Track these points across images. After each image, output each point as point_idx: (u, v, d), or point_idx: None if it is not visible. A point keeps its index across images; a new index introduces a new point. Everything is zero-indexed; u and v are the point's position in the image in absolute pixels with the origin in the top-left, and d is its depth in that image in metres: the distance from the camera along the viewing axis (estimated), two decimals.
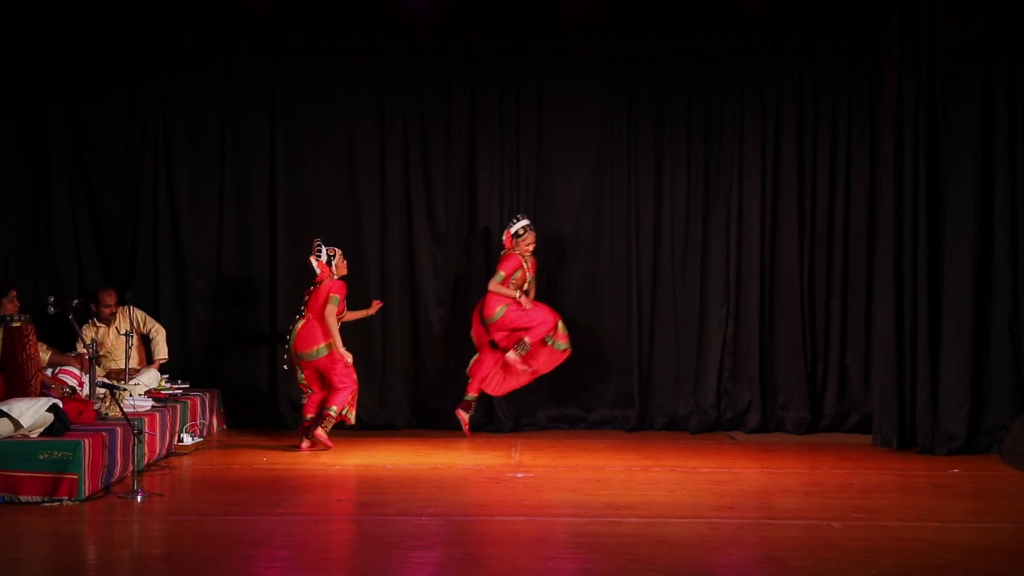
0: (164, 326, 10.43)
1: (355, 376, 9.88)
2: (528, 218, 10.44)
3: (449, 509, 7.37)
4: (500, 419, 10.87)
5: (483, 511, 7.33)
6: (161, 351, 10.30)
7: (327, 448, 9.61)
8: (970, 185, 9.52)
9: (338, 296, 9.83)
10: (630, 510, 7.35)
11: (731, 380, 10.88)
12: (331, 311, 9.76)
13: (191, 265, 10.87)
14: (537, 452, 9.72)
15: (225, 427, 10.76)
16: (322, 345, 9.75)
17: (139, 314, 10.30)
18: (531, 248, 10.39)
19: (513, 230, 10.36)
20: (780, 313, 10.87)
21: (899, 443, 9.71)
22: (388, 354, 10.93)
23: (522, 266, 10.33)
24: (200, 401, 10.04)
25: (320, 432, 9.66)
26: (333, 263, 9.91)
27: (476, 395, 10.47)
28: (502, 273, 10.29)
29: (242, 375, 10.95)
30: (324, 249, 9.91)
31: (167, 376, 10.16)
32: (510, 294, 10.28)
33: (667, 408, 10.95)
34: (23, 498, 7.26)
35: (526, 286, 10.41)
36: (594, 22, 10.78)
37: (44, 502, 7.26)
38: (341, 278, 9.92)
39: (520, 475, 8.61)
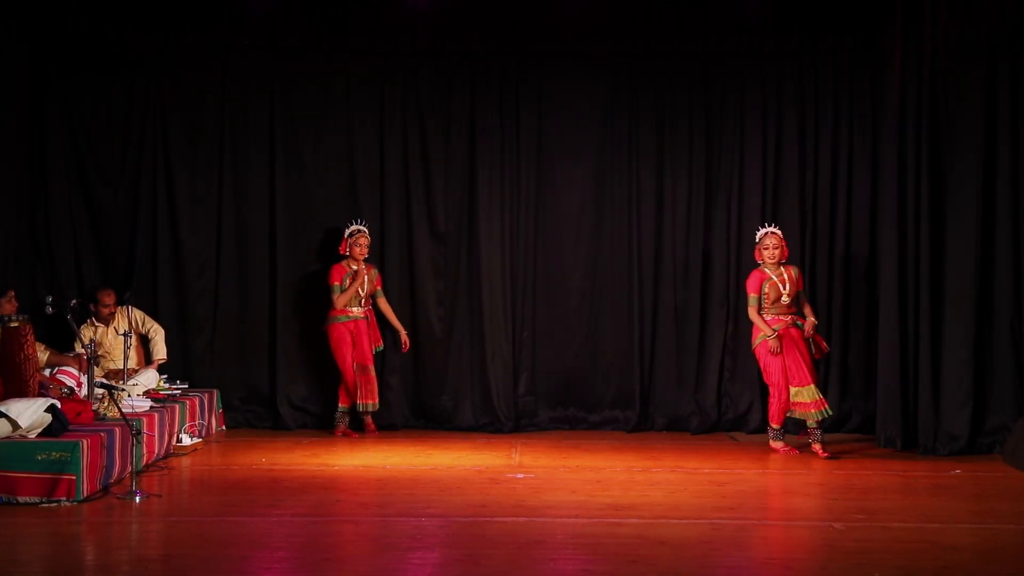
0: (163, 326, 10.42)
1: (346, 365, 10.31)
2: (773, 224, 9.96)
3: (449, 510, 7.35)
4: (500, 420, 10.84)
5: (483, 512, 7.31)
6: (160, 351, 10.28)
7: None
8: (972, 186, 9.50)
9: (333, 283, 10.28)
10: (631, 511, 7.33)
11: (732, 380, 10.86)
12: (334, 298, 10.32)
13: (190, 265, 10.84)
14: (537, 453, 9.70)
15: (224, 428, 10.72)
16: None
17: (138, 314, 10.27)
18: (774, 253, 9.64)
19: (757, 238, 9.84)
20: None
21: (901, 444, 9.69)
22: (387, 354, 10.89)
23: (769, 278, 9.62)
24: (199, 401, 10.02)
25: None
26: (350, 241, 10.36)
27: (779, 425, 9.71)
28: (751, 295, 9.69)
29: (241, 375, 10.93)
30: (351, 224, 10.44)
31: (166, 376, 10.15)
32: (762, 328, 9.57)
33: (668, 408, 10.92)
34: (21, 499, 7.24)
35: (784, 298, 9.60)
36: (594, 22, 10.76)
37: (42, 503, 7.25)
38: (367, 260, 10.43)
39: (520, 476, 8.59)
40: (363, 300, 10.44)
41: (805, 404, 9.49)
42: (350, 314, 10.33)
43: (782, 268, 9.68)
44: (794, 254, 10.83)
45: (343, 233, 10.42)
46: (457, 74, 10.96)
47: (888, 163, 9.91)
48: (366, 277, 10.39)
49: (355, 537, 6.70)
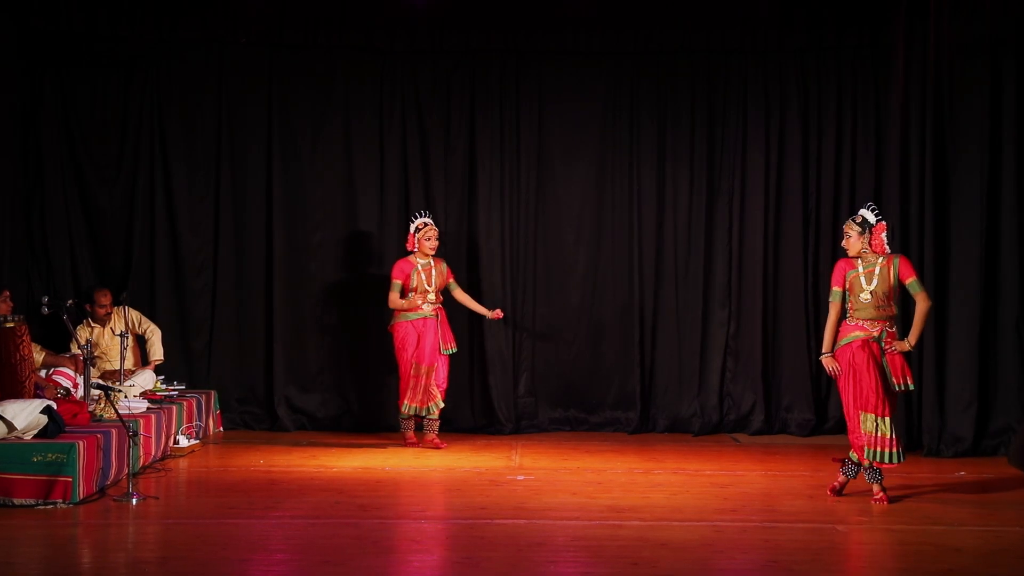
0: (159, 326, 10.35)
1: (404, 367, 9.74)
2: (873, 211, 7.81)
3: (448, 512, 7.31)
4: (500, 421, 10.79)
5: (483, 514, 7.26)
6: (157, 352, 10.22)
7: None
8: (977, 184, 9.48)
9: (395, 280, 9.78)
10: (632, 513, 7.28)
11: (734, 382, 10.82)
12: (391, 296, 9.78)
13: (187, 264, 10.78)
14: (538, 454, 9.65)
15: (221, 429, 10.66)
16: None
17: (134, 314, 10.21)
18: (847, 243, 7.74)
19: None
20: (784, 313, 10.80)
21: (905, 445, 9.62)
22: (387, 354, 10.82)
23: (854, 268, 7.70)
24: (196, 403, 9.95)
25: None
26: (418, 235, 9.76)
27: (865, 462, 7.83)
28: (831, 288, 7.78)
29: (239, 376, 10.87)
30: (417, 218, 9.87)
31: (163, 377, 10.07)
32: (825, 339, 7.77)
33: (669, 410, 10.87)
34: (16, 501, 7.20)
35: (863, 295, 7.59)
36: (595, 18, 10.71)
37: (38, 505, 7.20)
38: (438, 255, 9.90)
39: (520, 478, 8.54)
40: (434, 296, 9.81)
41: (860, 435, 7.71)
42: (419, 311, 9.74)
43: (880, 260, 7.66)
44: (796, 252, 10.79)
45: (408, 228, 9.89)
46: (456, 71, 10.91)
47: (891, 161, 9.87)
48: (433, 272, 9.78)
49: (354, 539, 6.63)
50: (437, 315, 9.80)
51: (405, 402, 9.75)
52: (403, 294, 9.79)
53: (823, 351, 7.80)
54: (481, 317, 10.77)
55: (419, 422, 9.87)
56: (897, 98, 9.78)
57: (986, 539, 6.72)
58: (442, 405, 9.83)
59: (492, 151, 10.91)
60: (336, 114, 10.88)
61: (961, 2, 9.42)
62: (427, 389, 9.71)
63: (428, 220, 9.84)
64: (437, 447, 9.69)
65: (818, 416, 10.75)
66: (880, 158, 10.53)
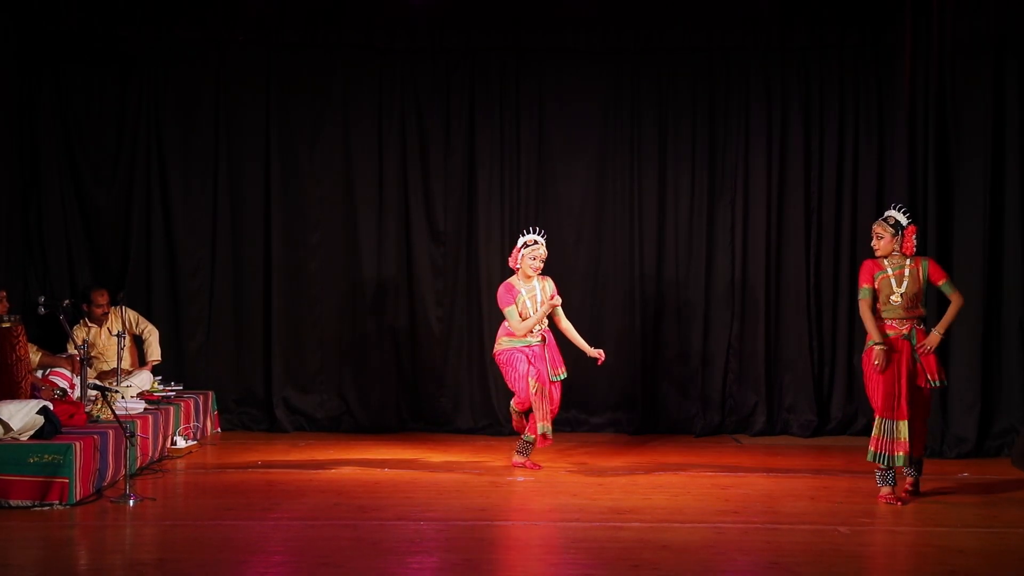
0: (157, 326, 10.31)
1: (523, 384, 8.68)
2: (900, 207, 7.86)
3: (448, 513, 7.27)
4: (500, 421, 10.74)
5: (483, 515, 7.23)
6: (154, 352, 10.18)
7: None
8: (980, 184, 9.47)
9: (510, 307, 8.71)
10: (633, 515, 7.24)
11: (736, 382, 10.77)
12: (513, 324, 8.72)
13: (184, 264, 10.74)
14: (538, 455, 9.58)
15: (219, 430, 10.62)
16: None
17: (131, 314, 10.17)
18: (878, 245, 7.73)
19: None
20: (786, 314, 10.77)
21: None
22: (386, 355, 10.80)
23: (883, 269, 7.71)
24: (194, 403, 9.92)
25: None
26: (524, 252, 8.74)
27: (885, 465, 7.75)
28: (860, 287, 7.76)
29: (236, 377, 10.82)
30: (527, 233, 8.87)
31: (160, 378, 10.04)
32: (871, 331, 7.66)
33: (671, 410, 10.83)
34: (13, 502, 7.17)
35: (894, 296, 7.62)
36: (595, 17, 10.68)
37: (34, 506, 7.17)
38: (544, 272, 8.86)
39: (520, 479, 8.51)
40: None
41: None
42: (524, 338, 8.75)
43: (908, 261, 7.69)
44: (798, 252, 10.76)
45: (516, 243, 8.97)
46: (456, 70, 10.87)
47: (899, 162, 9.84)
48: (538, 296, 8.75)
49: (353, 541, 6.60)
50: (544, 339, 8.83)
51: (540, 424, 8.66)
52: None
53: (875, 341, 7.58)
54: (481, 318, 10.74)
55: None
56: (901, 97, 9.75)
57: (989, 541, 6.69)
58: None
59: (492, 151, 10.87)
60: (335, 113, 10.84)
61: (964, 1, 9.39)
62: (548, 407, 8.76)
63: (539, 239, 8.82)
64: (535, 468, 8.88)
65: (820, 417, 10.72)
66: (882, 155, 10.52)
